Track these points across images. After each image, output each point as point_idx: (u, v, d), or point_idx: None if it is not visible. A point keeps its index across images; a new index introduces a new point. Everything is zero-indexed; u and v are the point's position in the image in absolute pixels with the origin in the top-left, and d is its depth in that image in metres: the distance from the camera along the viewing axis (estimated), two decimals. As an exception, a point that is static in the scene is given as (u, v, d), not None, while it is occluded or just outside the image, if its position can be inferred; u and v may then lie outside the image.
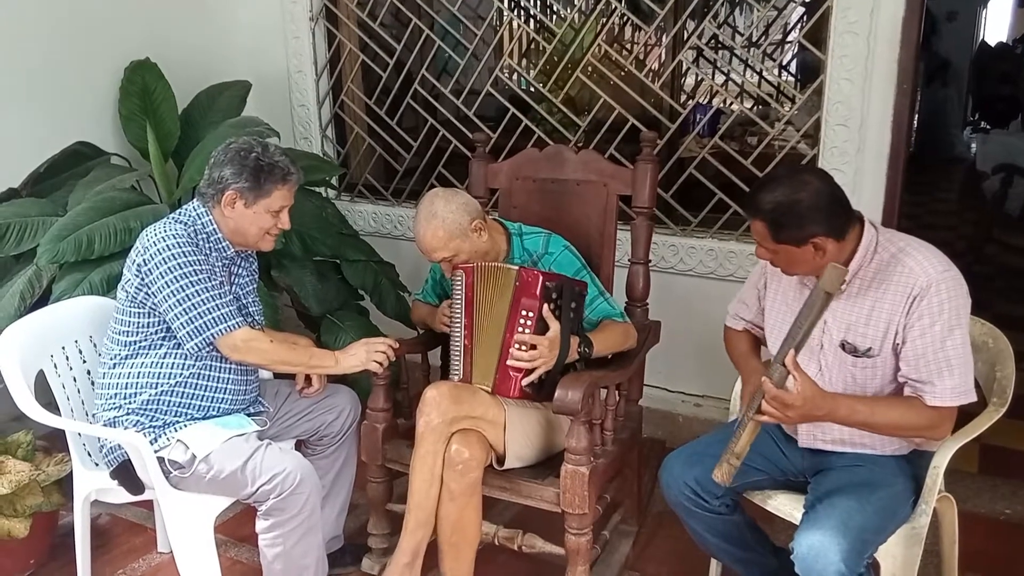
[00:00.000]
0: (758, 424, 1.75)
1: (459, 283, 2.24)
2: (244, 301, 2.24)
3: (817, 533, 1.73)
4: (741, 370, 2.15)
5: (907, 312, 1.79)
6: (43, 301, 2.56)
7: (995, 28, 10.07)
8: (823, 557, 1.69)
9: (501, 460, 2.20)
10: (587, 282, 2.27)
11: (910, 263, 1.79)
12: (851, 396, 1.85)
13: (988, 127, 8.74)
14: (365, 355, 2.24)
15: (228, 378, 2.18)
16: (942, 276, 1.77)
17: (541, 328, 2.12)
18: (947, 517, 2.05)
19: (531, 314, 2.12)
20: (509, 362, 2.14)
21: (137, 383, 2.11)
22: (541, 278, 2.12)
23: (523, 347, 2.12)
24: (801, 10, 4.08)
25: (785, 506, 2.01)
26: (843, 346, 1.88)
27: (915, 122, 2.66)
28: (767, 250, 1.84)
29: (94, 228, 2.60)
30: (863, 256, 1.83)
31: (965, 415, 1.94)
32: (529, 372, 2.13)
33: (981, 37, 9.46)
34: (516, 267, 2.18)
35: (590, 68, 3.34)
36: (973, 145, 8.55)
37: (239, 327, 2.09)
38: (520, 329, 2.13)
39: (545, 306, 2.11)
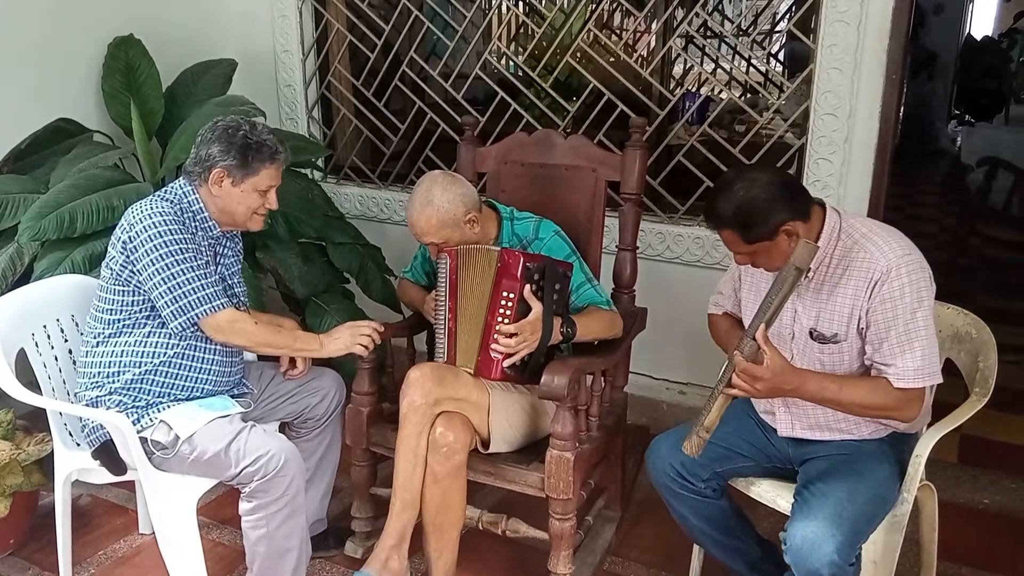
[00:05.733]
0: (728, 398, 1.77)
1: (443, 266, 2.24)
2: (229, 282, 2.23)
3: (811, 524, 1.73)
4: (726, 347, 2.15)
5: (869, 297, 1.80)
6: (25, 279, 2.54)
7: (981, 22, 10.12)
8: (817, 549, 1.70)
9: (486, 444, 2.20)
10: (573, 263, 2.27)
11: (871, 248, 1.81)
12: (820, 373, 1.86)
13: (973, 120, 8.79)
14: (350, 338, 2.23)
15: (212, 359, 2.16)
16: (902, 260, 1.78)
17: (523, 309, 2.12)
18: (927, 506, 2.07)
19: (512, 295, 2.12)
20: (492, 348, 2.14)
21: (120, 362, 2.09)
22: (522, 259, 2.12)
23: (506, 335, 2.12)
24: (790, -1, 4.09)
25: (768, 493, 2.02)
26: (811, 334, 1.90)
27: (901, 114, 2.68)
28: (744, 254, 1.86)
29: (76, 206, 2.57)
30: (827, 242, 1.85)
31: (946, 405, 1.96)
32: (511, 354, 2.13)
33: (967, 31, 9.48)
34: (498, 249, 2.18)
35: (579, 53, 3.33)
36: (958, 138, 8.59)
37: (224, 308, 2.07)
38: (502, 311, 2.13)
39: (526, 287, 2.11)
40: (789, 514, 1.85)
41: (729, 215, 1.79)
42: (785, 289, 1.69)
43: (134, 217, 2.05)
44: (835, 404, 1.83)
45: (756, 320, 1.73)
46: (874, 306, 1.80)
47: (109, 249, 2.10)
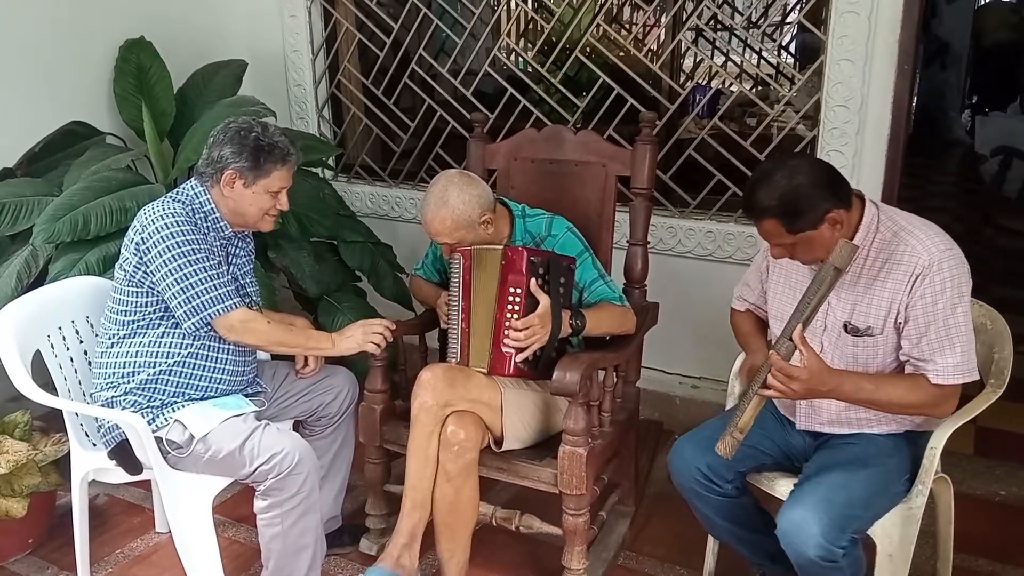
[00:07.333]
0: (763, 399, 1.76)
1: (457, 267, 2.25)
2: (241, 282, 2.24)
3: (799, 509, 1.75)
4: (746, 349, 2.15)
5: (909, 291, 1.78)
6: (39, 281, 2.55)
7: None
8: (803, 531, 1.71)
9: (499, 442, 2.20)
10: (575, 257, 2.27)
11: (912, 242, 1.79)
12: (856, 373, 1.85)
13: (987, 110, 8.70)
14: (362, 337, 2.24)
15: (226, 358, 2.17)
16: (944, 255, 1.76)
17: (530, 304, 2.13)
18: (943, 498, 2.06)
19: (519, 290, 2.13)
20: (504, 344, 2.14)
21: (135, 362, 2.11)
22: (525, 254, 2.13)
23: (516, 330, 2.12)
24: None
25: (783, 488, 2.01)
26: (846, 327, 1.88)
27: (914, 104, 2.66)
28: (784, 246, 1.83)
29: (90, 208, 2.58)
30: (865, 234, 1.82)
31: (962, 397, 1.95)
32: (523, 348, 2.13)
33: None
34: (501, 247, 2.19)
35: (589, 48, 3.32)
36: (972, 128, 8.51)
37: (236, 308, 2.08)
38: (510, 306, 2.14)
39: (532, 281, 2.12)
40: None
41: (773, 204, 1.75)
42: (823, 290, 1.68)
43: (147, 218, 2.06)
44: (872, 404, 1.82)
45: (793, 320, 1.72)
46: (914, 301, 1.78)
47: (122, 250, 2.11)
